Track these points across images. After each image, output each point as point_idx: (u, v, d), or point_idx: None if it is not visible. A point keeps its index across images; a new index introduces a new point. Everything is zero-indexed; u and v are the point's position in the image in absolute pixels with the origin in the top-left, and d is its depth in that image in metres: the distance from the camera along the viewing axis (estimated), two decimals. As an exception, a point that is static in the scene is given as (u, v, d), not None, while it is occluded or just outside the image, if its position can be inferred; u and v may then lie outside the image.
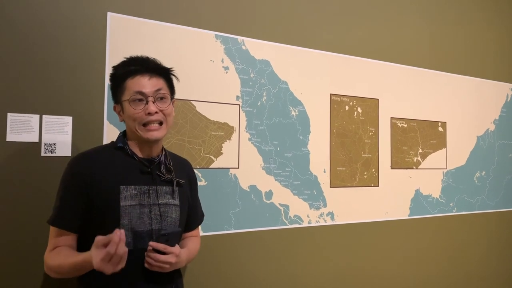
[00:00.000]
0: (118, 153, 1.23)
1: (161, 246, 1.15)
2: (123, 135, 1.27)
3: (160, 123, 1.22)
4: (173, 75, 1.30)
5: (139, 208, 1.18)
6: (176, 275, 1.30)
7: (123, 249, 1.01)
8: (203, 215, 1.53)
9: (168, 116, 1.24)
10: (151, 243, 1.15)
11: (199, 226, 1.51)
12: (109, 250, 0.99)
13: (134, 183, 1.20)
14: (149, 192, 1.21)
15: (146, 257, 1.16)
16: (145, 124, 1.19)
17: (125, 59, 1.25)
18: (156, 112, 1.19)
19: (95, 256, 1.01)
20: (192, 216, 1.41)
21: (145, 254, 1.16)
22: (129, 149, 1.23)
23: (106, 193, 1.16)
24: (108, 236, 1.01)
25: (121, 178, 1.18)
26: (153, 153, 1.26)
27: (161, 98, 1.22)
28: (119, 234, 1.00)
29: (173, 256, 1.16)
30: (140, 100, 1.18)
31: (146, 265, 1.16)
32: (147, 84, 1.19)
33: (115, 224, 1.15)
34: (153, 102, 1.19)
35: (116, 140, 1.27)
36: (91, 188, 1.15)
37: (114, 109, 1.28)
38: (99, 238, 1.02)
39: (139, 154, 1.25)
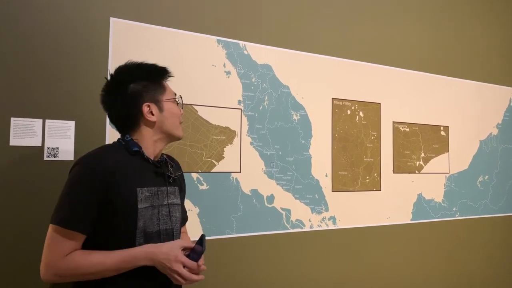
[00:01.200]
0: (132, 156, 1.20)
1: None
2: (131, 139, 1.22)
3: None
4: None
5: (150, 210, 1.19)
6: None
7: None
8: (185, 212, 1.52)
9: None
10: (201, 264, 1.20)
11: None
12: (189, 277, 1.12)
13: (147, 185, 1.19)
14: (158, 193, 1.22)
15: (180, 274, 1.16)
16: (181, 122, 1.30)
17: (145, 63, 1.27)
18: None
19: (174, 257, 1.11)
20: (184, 212, 1.43)
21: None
22: (144, 152, 1.21)
23: (125, 195, 1.13)
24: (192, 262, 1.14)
25: (137, 181, 1.17)
26: (159, 154, 1.28)
27: None
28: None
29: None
30: (177, 101, 1.30)
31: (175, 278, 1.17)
32: None
33: (133, 226, 1.13)
34: None
35: (129, 144, 1.21)
36: (111, 189, 1.11)
37: (143, 108, 1.21)
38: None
39: (151, 157, 1.24)
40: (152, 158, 1.25)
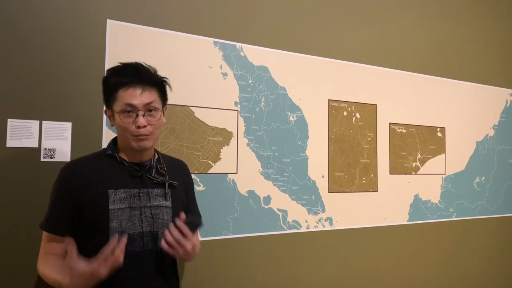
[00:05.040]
0: (108, 159, 1.24)
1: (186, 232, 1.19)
2: (113, 143, 1.28)
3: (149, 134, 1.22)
4: (167, 84, 1.30)
5: (129, 211, 1.19)
6: (172, 277, 1.31)
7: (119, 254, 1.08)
8: (200, 217, 1.49)
9: (157, 128, 1.24)
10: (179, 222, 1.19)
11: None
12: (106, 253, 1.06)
13: (123, 187, 1.21)
14: (140, 195, 1.22)
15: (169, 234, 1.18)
16: (134, 135, 1.20)
17: (119, 65, 1.23)
18: (145, 126, 1.19)
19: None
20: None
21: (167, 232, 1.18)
22: (118, 156, 1.24)
23: (95, 198, 1.18)
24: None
25: (110, 183, 1.20)
26: (143, 158, 1.27)
27: (151, 111, 1.21)
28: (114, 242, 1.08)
29: (190, 243, 1.20)
30: (130, 112, 1.18)
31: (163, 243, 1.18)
32: (139, 97, 1.18)
33: (105, 227, 1.16)
34: (143, 116, 1.19)
35: (107, 147, 1.27)
36: (80, 194, 1.18)
37: (105, 112, 1.27)
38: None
39: (129, 160, 1.25)
40: (129, 160, 1.25)
